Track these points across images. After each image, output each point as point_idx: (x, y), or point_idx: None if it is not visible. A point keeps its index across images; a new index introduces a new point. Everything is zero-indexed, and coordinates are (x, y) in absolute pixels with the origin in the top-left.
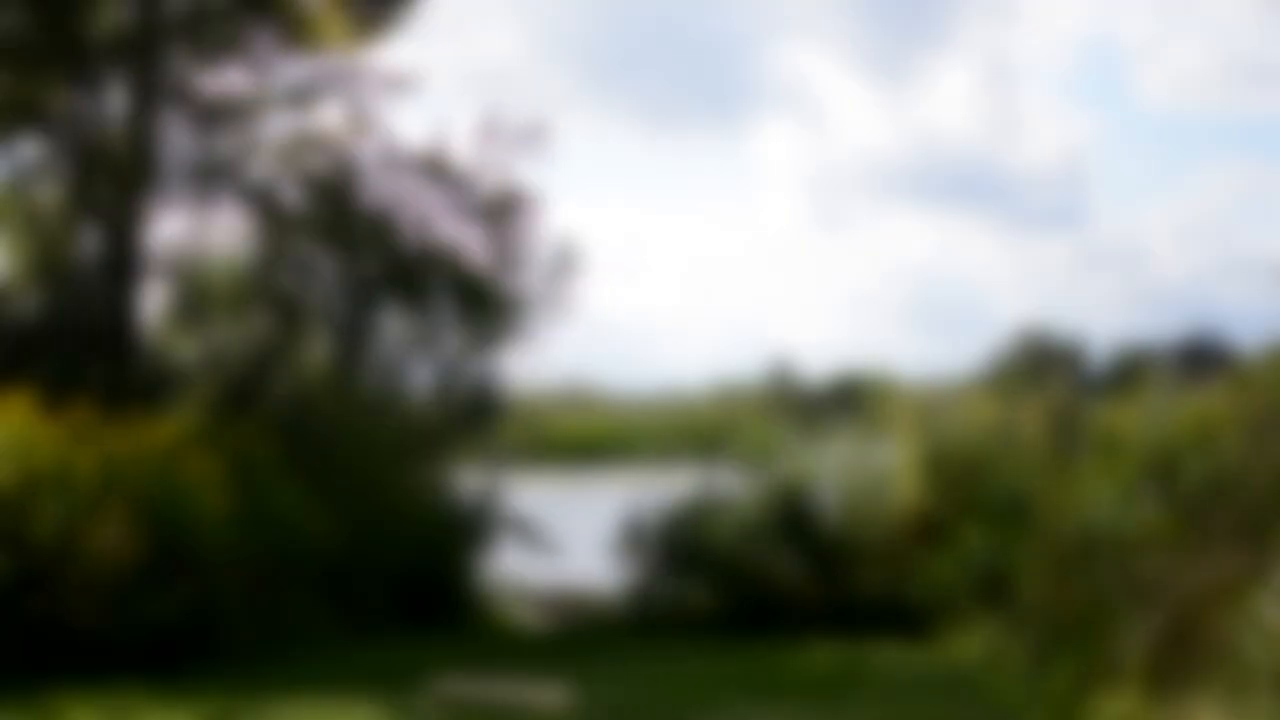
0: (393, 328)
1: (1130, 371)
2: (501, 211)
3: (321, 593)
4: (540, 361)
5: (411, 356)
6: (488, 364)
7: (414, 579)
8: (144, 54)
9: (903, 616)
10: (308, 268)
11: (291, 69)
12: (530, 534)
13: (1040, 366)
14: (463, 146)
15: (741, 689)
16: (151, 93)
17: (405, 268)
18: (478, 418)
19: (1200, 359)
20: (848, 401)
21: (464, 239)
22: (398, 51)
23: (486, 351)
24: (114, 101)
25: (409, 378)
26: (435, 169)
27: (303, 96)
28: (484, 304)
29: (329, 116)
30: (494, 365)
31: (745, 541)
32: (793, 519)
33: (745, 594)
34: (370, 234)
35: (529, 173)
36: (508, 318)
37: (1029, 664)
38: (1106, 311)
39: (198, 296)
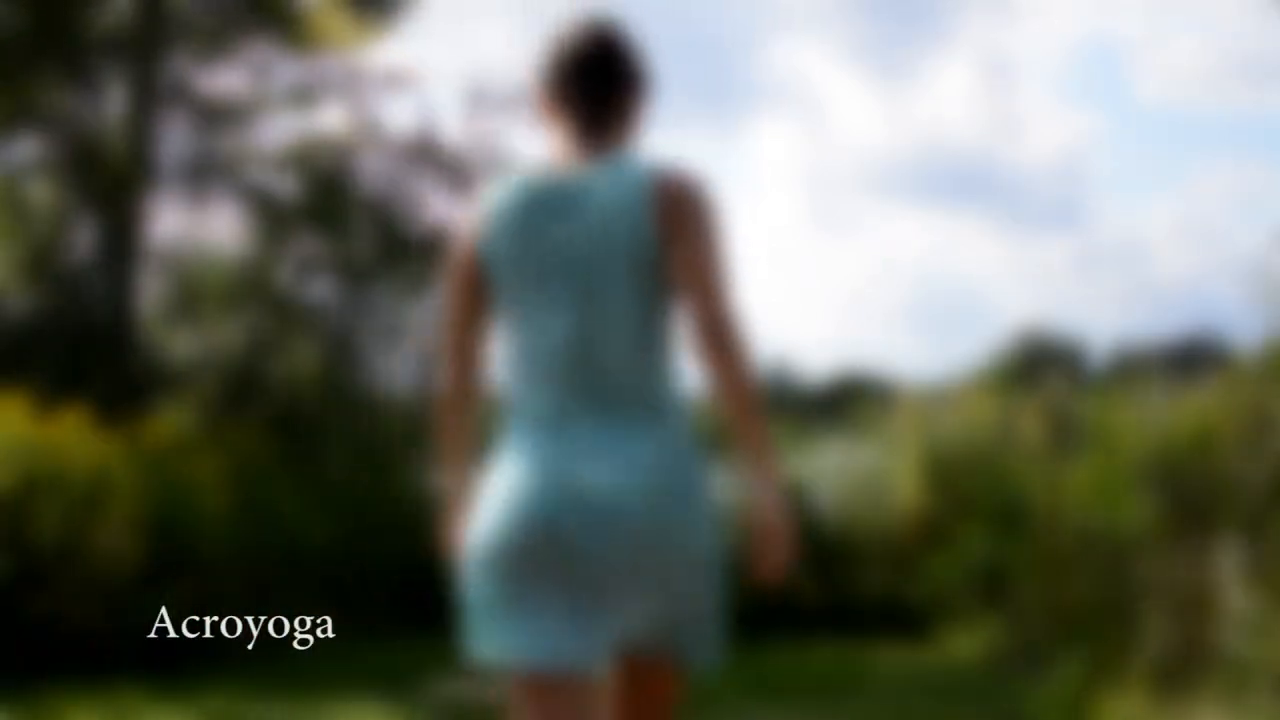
0: (385, 323)
1: (1128, 370)
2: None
3: (322, 593)
4: None
5: (404, 347)
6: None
7: (414, 579)
8: (143, 53)
9: (903, 616)
10: (304, 262)
11: (290, 70)
12: None
13: (1039, 365)
14: (452, 125)
15: (741, 689)
16: (150, 92)
17: (400, 249)
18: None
19: (1198, 358)
20: (847, 401)
21: (456, 217)
22: (394, 52)
23: None
24: (112, 100)
25: (403, 372)
26: (425, 152)
27: (302, 98)
28: None
29: (329, 117)
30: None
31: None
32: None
33: (745, 594)
34: (365, 218)
35: (520, 143)
36: None
37: (1029, 664)
38: (1106, 311)
39: (193, 294)
